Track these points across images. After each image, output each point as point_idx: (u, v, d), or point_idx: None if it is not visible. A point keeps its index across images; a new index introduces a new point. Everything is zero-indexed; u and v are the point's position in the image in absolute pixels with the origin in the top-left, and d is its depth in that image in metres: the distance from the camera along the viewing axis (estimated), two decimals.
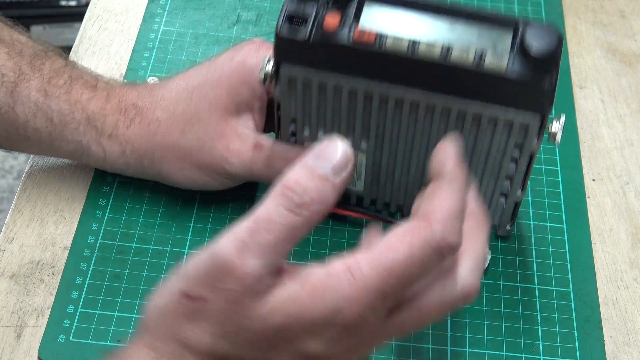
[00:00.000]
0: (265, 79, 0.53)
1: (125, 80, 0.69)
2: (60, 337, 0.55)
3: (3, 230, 0.60)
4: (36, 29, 1.63)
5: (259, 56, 0.56)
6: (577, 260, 0.61)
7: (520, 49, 0.49)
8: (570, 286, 0.60)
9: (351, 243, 0.61)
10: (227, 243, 0.39)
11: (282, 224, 0.39)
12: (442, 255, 0.40)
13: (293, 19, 0.51)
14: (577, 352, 0.57)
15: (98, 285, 0.57)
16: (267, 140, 0.57)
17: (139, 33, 0.74)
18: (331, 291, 0.39)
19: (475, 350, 0.56)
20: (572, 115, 0.71)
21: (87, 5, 0.77)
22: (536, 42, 0.48)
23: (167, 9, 0.76)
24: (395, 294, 0.40)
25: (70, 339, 0.55)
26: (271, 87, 0.54)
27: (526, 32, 0.49)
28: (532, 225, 0.63)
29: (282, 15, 0.51)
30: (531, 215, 0.63)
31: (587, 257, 0.62)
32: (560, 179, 0.66)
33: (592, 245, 0.62)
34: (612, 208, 0.65)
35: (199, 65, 0.59)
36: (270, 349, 0.40)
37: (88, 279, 0.58)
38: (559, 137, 0.51)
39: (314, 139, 0.56)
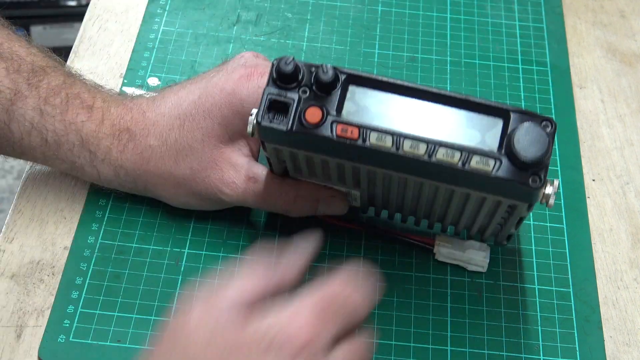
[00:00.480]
0: (253, 133, 0.51)
1: (123, 90, 0.68)
2: (60, 337, 0.55)
3: (3, 230, 0.60)
4: (36, 29, 1.63)
5: (250, 86, 0.55)
6: (577, 260, 0.61)
7: (508, 152, 0.48)
8: (570, 286, 0.60)
9: (350, 256, 0.61)
10: None
11: None
12: None
13: (274, 105, 0.49)
14: (577, 352, 0.57)
15: (98, 285, 0.57)
16: (261, 172, 0.57)
17: (139, 33, 0.74)
18: None
19: (476, 351, 0.56)
20: (572, 115, 0.71)
21: (87, 5, 0.77)
22: (525, 148, 0.47)
23: (167, 9, 0.76)
24: None
25: (70, 339, 0.55)
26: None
27: (515, 134, 0.48)
28: (532, 226, 0.63)
29: (263, 102, 0.50)
30: (531, 215, 0.63)
31: (587, 257, 0.62)
32: (560, 179, 0.66)
33: (592, 245, 0.62)
34: (612, 208, 0.65)
35: (192, 82, 0.58)
36: None
37: (88, 279, 0.58)
38: (552, 201, 0.50)
39: (307, 179, 0.56)
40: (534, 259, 0.61)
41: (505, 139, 0.48)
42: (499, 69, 0.74)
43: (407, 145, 0.48)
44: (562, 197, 0.65)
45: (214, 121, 0.56)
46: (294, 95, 0.50)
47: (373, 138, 0.48)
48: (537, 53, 0.75)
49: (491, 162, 0.48)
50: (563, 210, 0.64)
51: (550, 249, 0.62)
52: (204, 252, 0.60)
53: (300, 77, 0.50)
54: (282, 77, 0.49)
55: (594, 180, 0.67)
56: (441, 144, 0.48)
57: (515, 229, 0.56)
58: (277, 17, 0.76)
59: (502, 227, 0.56)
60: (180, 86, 0.59)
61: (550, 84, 0.73)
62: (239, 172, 0.56)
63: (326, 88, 0.49)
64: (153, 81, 0.70)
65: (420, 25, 0.77)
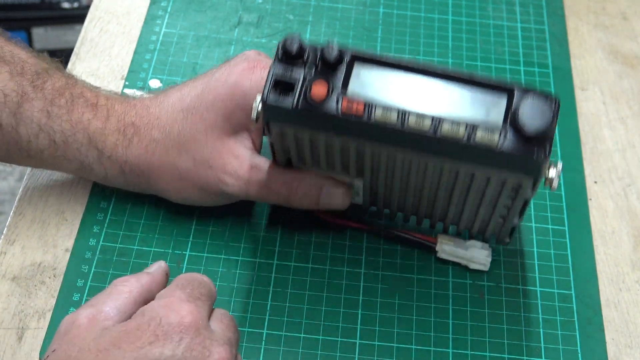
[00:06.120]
0: (257, 119, 0.51)
1: (124, 90, 0.69)
2: None
3: (4, 232, 0.60)
4: (37, 31, 1.63)
5: (253, 78, 0.55)
6: (578, 262, 0.61)
7: (513, 124, 0.48)
8: (572, 288, 0.60)
9: (351, 258, 0.61)
10: None
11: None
12: None
13: (280, 84, 0.50)
14: (579, 355, 0.57)
15: (99, 287, 0.57)
16: (263, 162, 0.57)
17: (140, 35, 0.74)
18: None
19: (477, 353, 0.56)
20: (574, 117, 0.71)
21: (88, 7, 0.77)
22: (529, 120, 0.48)
23: (168, 11, 0.76)
24: None
25: None
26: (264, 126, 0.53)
27: (520, 107, 0.48)
28: (533, 228, 0.63)
29: (269, 80, 0.50)
30: (533, 217, 0.63)
31: (588, 259, 0.62)
32: (562, 181, 0.66)
33: (594, 247, 0.62)
34: (614, 210, 0.65)
35: (194, 80, 0.59)
36: None
37: (89, 281, 0.58)
38: (555, 183, 0.50)
39: (309, 168, 0.56)
40: (536, 261, 0.61)
41: (510, 113, 0.49)
42: (501, 70, 0.74)
43: (412, 121, 0.48)
44: (563, 199, 0.65)
45: (216, 113, 0.56)
46: (299, 74, 0.50)
47: (378, 113, 0.49)
48: (539, 55, 0.75)
49: (496, 135, 0.48)
50: (565, 212, 0.64)
51: (552, 251, 0.62)
52: (205, 255, 0.60)
53: (305, 56, 0.50)
54: (288, 55, 0.50)
55: (595, 182, 0.67)
56: (446, 119, 0.48)
57: (519, 219, 0.56)
58: (279, 19, 0.76)
59: (504, 220, 0.56)
60: (183, 84, 0.59)
61: (552, 86, 0.73)
62: (242, 162, 0.56)
63: (332, 66, 0.50)
64: (155, 83, 0.70)
65: (422, 27, 0.77)
